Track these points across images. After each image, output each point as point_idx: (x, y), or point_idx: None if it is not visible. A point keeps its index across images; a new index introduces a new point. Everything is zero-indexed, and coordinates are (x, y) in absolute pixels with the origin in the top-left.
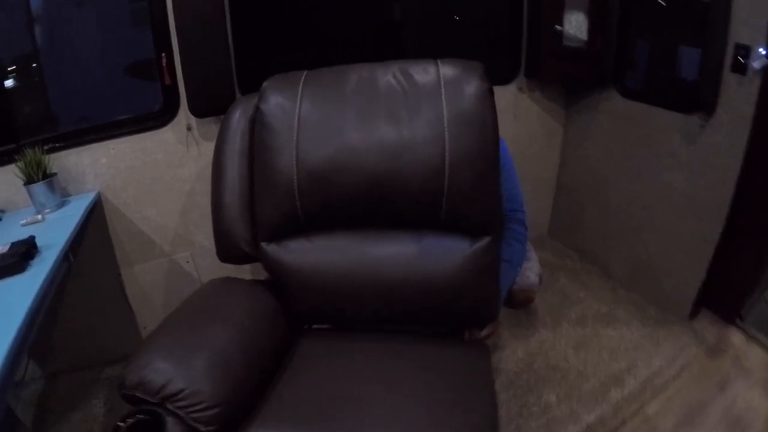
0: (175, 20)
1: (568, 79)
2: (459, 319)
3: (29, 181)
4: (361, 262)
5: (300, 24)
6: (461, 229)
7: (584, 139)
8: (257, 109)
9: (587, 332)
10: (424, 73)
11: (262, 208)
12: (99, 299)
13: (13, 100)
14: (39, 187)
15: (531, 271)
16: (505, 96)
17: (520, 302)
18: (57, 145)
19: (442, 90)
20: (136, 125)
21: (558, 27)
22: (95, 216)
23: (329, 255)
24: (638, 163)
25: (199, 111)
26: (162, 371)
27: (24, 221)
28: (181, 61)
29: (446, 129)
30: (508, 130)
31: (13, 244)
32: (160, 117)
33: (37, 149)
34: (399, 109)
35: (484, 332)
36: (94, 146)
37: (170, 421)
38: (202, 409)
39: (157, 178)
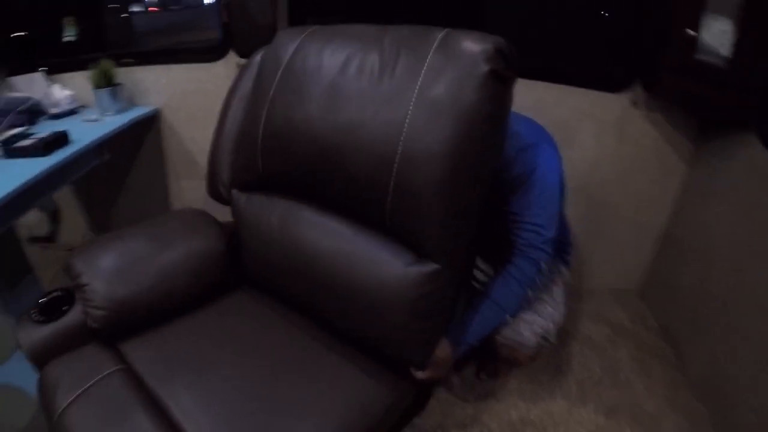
0: None
1: (698, 104)
2: (380, 345)
3: (97, 86)
4: (296, 240)
5: None
6: (404, 242)
7: (711, 190)
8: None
9: (611, 429)
10: (421, 43)
11: (237, 156)
12: (146, 202)
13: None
14: (103, 93)
15: (529, 325)
16: (612, 108)
17: (505, 360)
18: (128, 60)
19: (425, 66)
20: (195, 55)
21: (690, 32)
22: (153, 128)
23: (273, 219)
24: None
25: (242, 52)
26: (80, 264)
27: (84, 119)
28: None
29: (409, 114)
30: (607, 150)
31: (52, 133)
32: (215, 52)
33: (109, 61)
34: (378, 82)
35: (420, 374)
36: (158, 68)
37: (77, 305)
38: (92, 306)
39: (205, 107)
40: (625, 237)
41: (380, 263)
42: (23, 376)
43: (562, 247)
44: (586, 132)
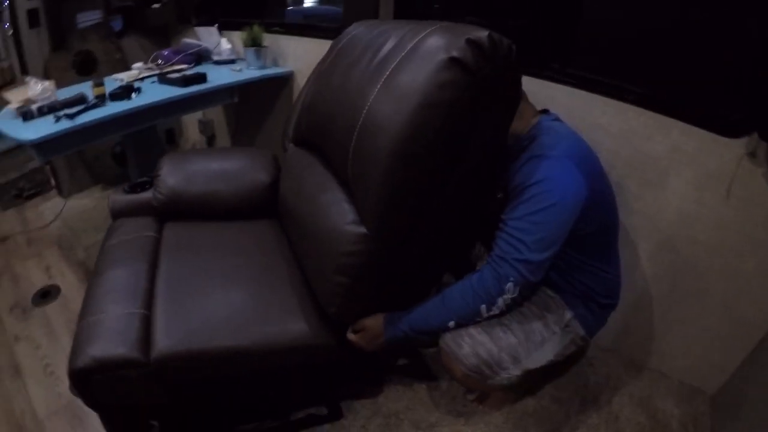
0: None
1: None
2: (314, 285)
3: (246, 45)
4: (301, 184)
5: None
6: (355, 203)
7: None
8: None
9: None
10: (419, 32)
11: (296, 118)
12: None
13: None
14: (249, 51)
15: (472, 342)
16: (722, 155)
17: (443, 366)
18: (275, 29)
19: (404, 51)
20: (325, 33)
21: None
22: (287, 86)
23: (295, 166)
24: None
25: None
26: (165, 162)
27: (232, 68)
28: None
29: (375, 91)
30: (707, 207)
31: (195, 73)
32: (337, 31)
33: (260, 27)
34: (371, 64)
35: (349, 334)
36: (297, 38)
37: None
38: (158, 191)
39: None
40: (712, 323)
41: (334, 216)
42: None
43: (587, 292)
44: (681, 177)
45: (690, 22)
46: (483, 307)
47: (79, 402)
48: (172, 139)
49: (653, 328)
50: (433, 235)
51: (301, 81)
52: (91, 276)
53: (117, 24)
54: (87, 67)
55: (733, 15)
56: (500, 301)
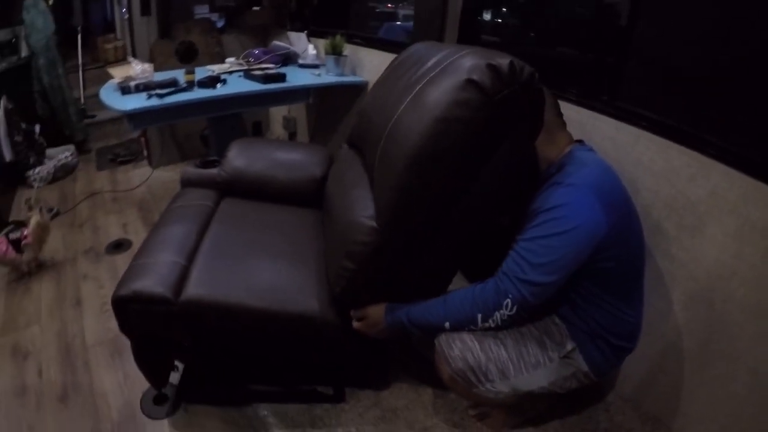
0: None
1: None
2: (328, 266)
3: (327, 53)
4: (342, 178)
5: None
6: (375, 199)
7: None
8: None
9: None
10: (455, 53)
11: (355, 121)
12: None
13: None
14: (329, 58)
15: (462, 347)
16: (765, 205)
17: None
18: (356, 40)
19: (435, 71)
20: (396, 47)
21: None
22: (362, 94)
23: (342, 163)
24: None
25: None
26: (234, 146)
27: (312, 72)
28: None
29: (404, 103)
30: (750, 263)
31: (276, 72)
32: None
33: (342, 38)
34: (410, 79)
35: (354, 322)
36: (374, 51)
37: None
38: (223, 169)
39: None
40: (740, 390)
41: (357, 206)
42: None
43: (597, 330)
44: (721, 225)
45: (741, 60)
46: (479, 316)
47: (122, 339)
48: (258, 131)
49: (679, 386)
50: (436, 243)
51: None
52: (152, 228)
53: (220, 21)
54: (188, 56)
55: None
56: (497, 316)
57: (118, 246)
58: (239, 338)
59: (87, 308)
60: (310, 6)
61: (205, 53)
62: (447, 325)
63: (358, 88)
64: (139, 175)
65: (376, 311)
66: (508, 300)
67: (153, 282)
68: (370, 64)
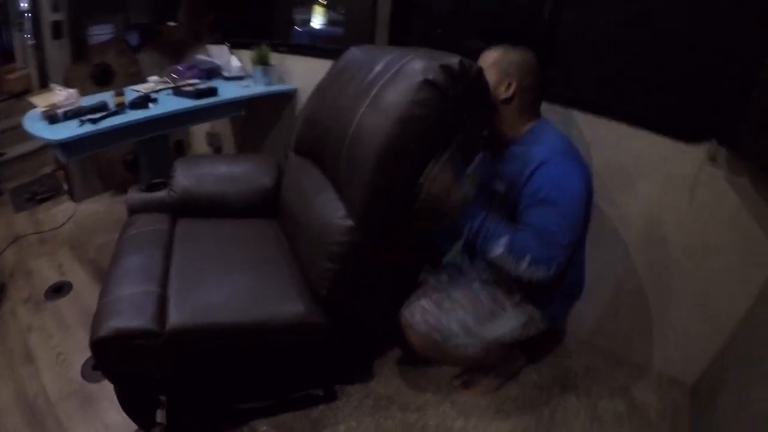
0: None
1: None
2: (306, 271)
3: (254, 63)
4: (299, 186)
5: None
6: (345, 200)
7: None
8: None
9: None
10: (403, 57)
11: (298, 130)
12: (280, 149)
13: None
14: (257, 69)
15: (422, 312)
16: (684, 161)
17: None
18: (281, 48)
19: (389, 73)
20: (326, 53)
21: None
22: (290, 103)
23: (293, 171)
24: None
25: None
26: (179, 165)
27: (240, 84)
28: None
29: (363, 106)
30: (674, 211)
31: (206, 87)
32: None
33: (267, 47)
34: (362, 83)
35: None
36: (302, 58)
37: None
38: (172, 189)
39: None
40: (686, 317)
41: (325, 211)
42: None
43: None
44: (649, 183)
45: (650, 36)
46: (528, 258)
47: (89, 387)
48: (181, 150)
49: (629, 322)
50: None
51: (303, 97)
52: (111, 261)
53: (134, 39)
54: (104, 79)
55: (690, 30)
56: (541, 270)
57: (58, 290)
58: (228, 357)
59: (41, 363)
60: (229, 18)
61: (122, 74)
62: (499, 251)
63: (287, 97)
64: (62, 211)
65: (456, 189)
66: (550, 264)
67: (133, 316)
68: (298, 71)
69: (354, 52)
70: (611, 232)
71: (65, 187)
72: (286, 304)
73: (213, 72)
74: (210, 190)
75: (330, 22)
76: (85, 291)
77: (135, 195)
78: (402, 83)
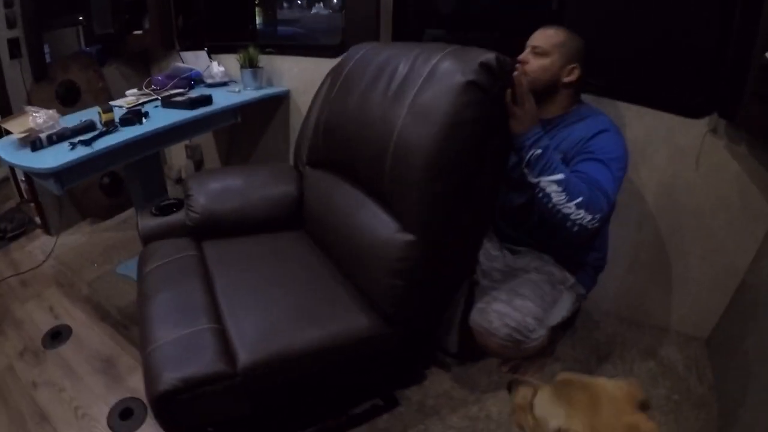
0: None
1: None
2: (367, 289)
3: (242, 67)
4: (331, 201)
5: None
6: (395, 214)
7: None
8: None
9: None
10: (431, 57)
11: (310, 141)
12: (272, 159)
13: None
14: (246, 72)
15: (499, 316)
16: (690, 134)
17: (477, 343)
18: (268, 49)
19: (422, 77)
20: (321, 51)
21: None
22: (283, 105)
23: (322, 186)
24: None
25: None
26: (192, 182)
27: (229, 90)
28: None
29: (402, 115)
30: (683, 180)
31: (200, 96)
32: (335, 50)
33: (256, 49)
34: (390, 88)
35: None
36: (292, 58)
37: (182, 211)
38: (192, 211)
39: None
40: (697, 277)
41: (376, 228)
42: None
43: (577, 254)
44: (660, 155)
45: (652, 22)
46: (581, 200)
47: None
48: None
49: (647, 289)
50: (466, 230)
51: (297, 99)
52: (141, 301)
53: (99, 52)
54: (71, 97)
55: (690, 15)
56: (588, 217)
57: (57, 336)
58: (305, 381)
59: (58, 421)
60: (204, 21)
61: (89, 91)
62: (559, 177)
63: (278, 100)
64: (39, 247)
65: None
66: (598, 211)
67: (197, 360)
68: (288, 73)
69: (360, 52)
70: (625, 206)
71: (37, 220)
72: (354, 318)
73: (195, 79)
74: (233, 206)
75: (317, 19)
76: (88, 333)
77: (149, 221)
78: (442, 86)
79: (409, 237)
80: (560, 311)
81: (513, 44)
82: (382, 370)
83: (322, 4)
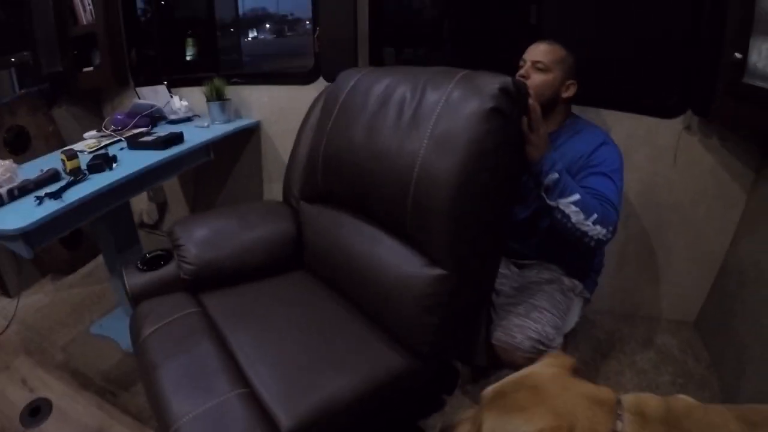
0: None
1: (751, 129)
2: (395, 329)
3: (209, 100)
4: (341, 240)
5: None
6: (420, 249)
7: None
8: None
9: None
10: (442, 83)
11: (305, 175)
12: (244, 197)
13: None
14: (213, 105)
15: (520, 330)
16: (666, 133)
17: (499, 360)
18: (236, 80)
19: (439, 105)
20: (292, 78)
21: (738, 55)
22: (254, 137)
23: (326, 223)
24: None
25: (328, 78)
26: (179, 230)
27: (196, 125)
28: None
29: (423, 145)
30: (663, 176)
31: (171, 133)
32: (308, 76)
33: (221, 80)
34: (402, 118)
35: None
36: (261, 87)
37: (174, 260)
38: (185, 262)
39: (299, 122)
40: (682, 266)
41: (400, 264)
42: (117, 330)
43: (585, 262)
44: (640, 156)
45: (624, 31)
46: (596, 217)
47: None
48: None
49: (636, 282)
50: (488, 255)
51: (269, 129)
52: (147, 372)
53: (47, 93)
54: (20, 144)
55: (661, 23)
56: (601, 230)
57: (36, 412)
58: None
59: None
60: (160, 53)
61: (38, 136)
62: (576, 198)
63: (249, 132)
64: None
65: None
66: (610, 225)
67: None
68: (258, 102)
69: (351, 80)
70: None
71: None
72: (386, 358)
73: (156, 117)
74: (229, 252)
75: (285, 45)
76: (70, 405)
77: (137, 278)
78: (463, 114)
79: (438, 271)
80: (573, 317)
81: (496, 61)
82: (412, 404)
83: (288, 29)
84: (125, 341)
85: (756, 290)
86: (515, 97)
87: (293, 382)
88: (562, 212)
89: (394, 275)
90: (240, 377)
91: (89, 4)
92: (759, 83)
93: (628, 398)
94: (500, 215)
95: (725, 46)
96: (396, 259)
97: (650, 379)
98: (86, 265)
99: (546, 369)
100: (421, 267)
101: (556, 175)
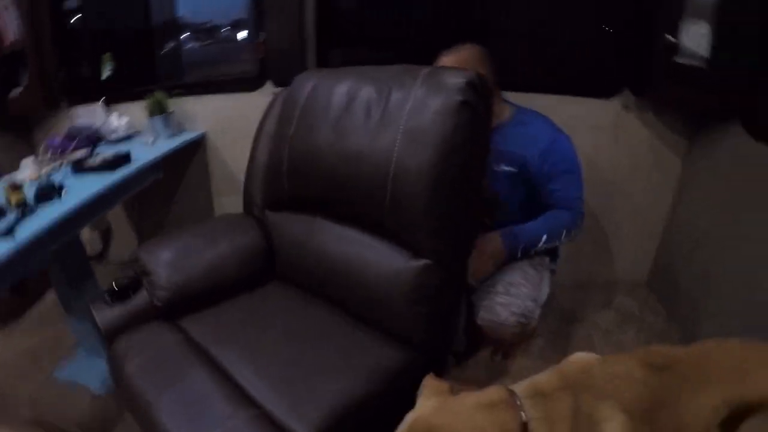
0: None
1: (684, 105)
2: (387, 325)
3: (152, 114)
4: (316, 245)
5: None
6: (401, 244)
7: (704, 182)
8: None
9: None
10: (408, 80)
11: (267, 184)
12: (192, 218)
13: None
14: (156, 120)
15: (504, 307)
16: (606, 113)
17: (493, 340)
18: (178, 91)
19: (408, 103)
20: (236, 86)
21: (670, 38)
22: (200, 150)
23: (297, 230)
24: (757, 228)
25: (278, 82)
26: (144, 255)
27: (141, 142)
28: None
29: (397, 142)
30: (605, 153)
31: (117, 154)
32: (253, 82)
33: (162, 92)
34: (371, 118)
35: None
36: (204, 97)
37: (143, 289)
38: (157, 288)
39: (246, 131)
40: (629, 232)
41: (383, 261)
42: (84, 372)
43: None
44: (583, 136)
45: (564, 21)
46: (564, 231)
47: None
48: None
49: (591, 253)
50: (467, 239)
51: (215, 140)
52: (140, 412)
53: None
54: None
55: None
56: (572, 233)
57: None
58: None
59: None
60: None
61: None
62: (544, 237)
63: (195, 145)
64: None
65: (492, 245)
66: (578, 218)
67: None
68: (202, 113)
69: (310, 83)
70: None
71: None
72: (383, 355)
73: (95, 137)
74: (202, 272)
75: (225, 51)
76: None
77: (107, 313)
78: (435, 109)
79: (423, 262)
80: (545, 289)
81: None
82: (410, 394)
83: (228, 33)
84: (94, 383)
85: (697, 247)
86: (480, 89)
87: (299, 394)
88: (540, 249)
89: (379, 272)
90: (243, 398)
91: (16, 19)
92: (689, 62)
93: (521, 386)
94: (475, 200)
95: (658, 28)
96: (377, 256)
97: (616, 338)
98: (33, 309)
99: (428, 404)
100: (406, 260)
101: (522, 245)
